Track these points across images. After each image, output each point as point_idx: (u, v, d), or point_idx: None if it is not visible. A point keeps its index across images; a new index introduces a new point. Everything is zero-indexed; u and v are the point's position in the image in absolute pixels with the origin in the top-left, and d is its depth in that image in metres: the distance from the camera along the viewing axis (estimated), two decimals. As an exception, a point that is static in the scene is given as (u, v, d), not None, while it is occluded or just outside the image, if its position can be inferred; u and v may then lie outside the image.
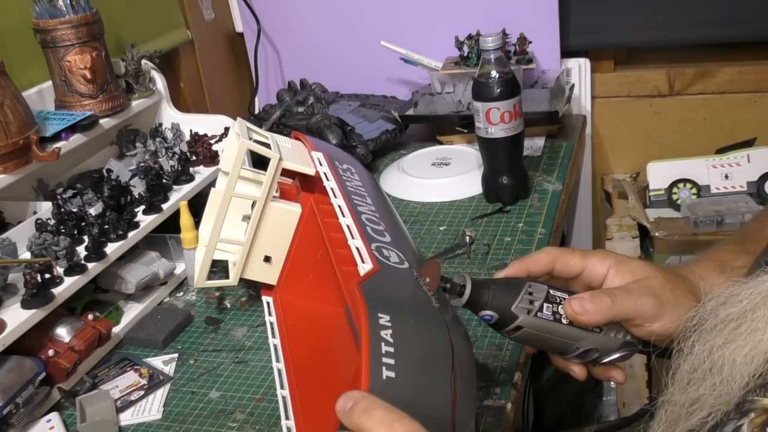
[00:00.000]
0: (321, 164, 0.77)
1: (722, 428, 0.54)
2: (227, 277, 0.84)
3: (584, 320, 0.65)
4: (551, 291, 0.66)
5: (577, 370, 0.70)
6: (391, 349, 0.51)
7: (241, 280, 0.83)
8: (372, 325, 0.52)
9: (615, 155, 1.67)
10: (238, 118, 0.88)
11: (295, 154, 0.83)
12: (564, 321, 0.66)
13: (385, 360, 0.50)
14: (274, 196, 0.84)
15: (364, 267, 0.60)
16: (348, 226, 0.67)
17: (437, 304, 0.60)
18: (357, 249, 0.63)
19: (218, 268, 1.01)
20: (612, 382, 0.71)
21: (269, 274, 0.81)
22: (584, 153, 1.58)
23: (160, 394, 0.86)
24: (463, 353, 0.58)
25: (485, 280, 0.66)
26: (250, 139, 0.85)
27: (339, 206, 0.71)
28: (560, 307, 0.66)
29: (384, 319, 0.53)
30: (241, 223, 0.88)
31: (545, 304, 0.66)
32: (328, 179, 0.75)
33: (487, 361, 0.83)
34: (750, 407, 0.51)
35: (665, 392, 0.59)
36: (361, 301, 0.54)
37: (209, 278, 0.91)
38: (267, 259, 0.86)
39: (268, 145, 0.83)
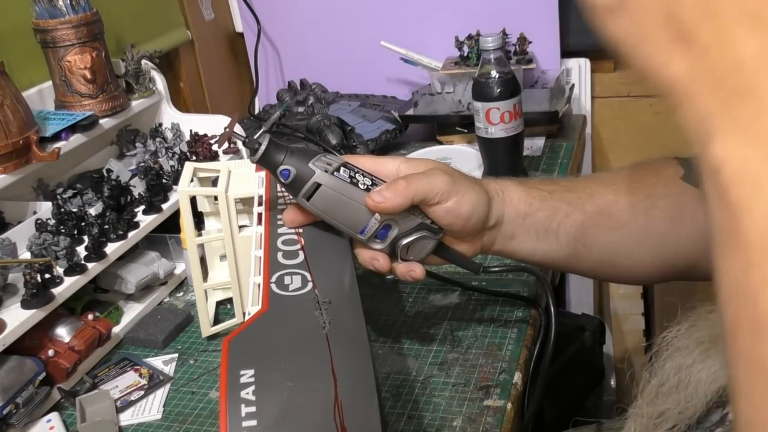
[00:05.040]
0: (261, 185, 0.77)
1: (708, 418, 0.55)
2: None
3: (387, 206, 0.68)
4: (348, 163, 0.70)
5: (381, 260, 0.72)
6: (253, 409, 0.50)
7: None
8: (230, 387, 0.52)
9: (615, 155, 1.67)
10: (186, 163, 0.90)
11: (251, 176, 0.84)
12: (361, 186, 0.68)
13: (245, 424, 0.49)
14: (242, 226, 0.86)
15: (253, 310, 0.61)
16: (258, 258, 0.68)
17: (327, 326, 0.59)
18: (258, 286, 0.64)
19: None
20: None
21: None
22: (584, 153, 1.58)
23: (160, 394, 0.86)
24: (353, 376, 0.56)
25: (284, 144, 0.68)
26: (193, 180, 0.88)
27: (259, 234, 0.71)
28: (357, 173, 0.69)
29: (246, 376, 0.53)
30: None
31: (342, 168, 0.68)
32: (260, 204, 0.75)
33: (487, 361, 0.83)
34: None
35: (634, 404, 0.60)
36: (224, 361, 0.54)
37: (218, 316, 0.95)
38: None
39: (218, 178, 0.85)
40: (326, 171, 0.67)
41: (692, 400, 0.55)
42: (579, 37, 1.54)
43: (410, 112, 1.42)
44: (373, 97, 1.54)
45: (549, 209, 0.77)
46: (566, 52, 1.52)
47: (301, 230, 0.72)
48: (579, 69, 1.56)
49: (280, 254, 0.68)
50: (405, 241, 0.71)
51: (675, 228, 0.76)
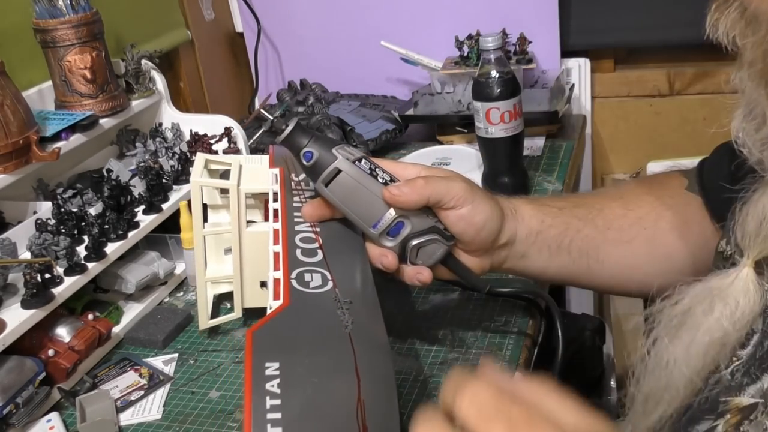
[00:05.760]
0: (275, 182, 0.77)
1: (694, 426, 0.54)
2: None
3: (403, 201, 0.69)
4: (370, 158, 0.71)
5: (390, 258, 0.71)
6: (278, 402, 0.50)
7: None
8: (256, 378, 0.52)
9: (615, 155, 1.67)
10: (198, 153, 0.91)
11: (263, 172, 0.84)
12: (380, 179, 0.69)
13: (270, 416, 0.49)
14: (249, 221, 0.86)
15: (275, 304, 0.61)
16: (276, 253, 0.68)
17: (350, 326, 0.59)
18: (275, 282, 0.64)
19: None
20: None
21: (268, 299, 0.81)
22: (584, 153, 1.58)
23: (160, 394, 0.86)
24: (375, 378, 0.56)
25: (310, 130, 0.70)
26: (206, 168, 0.88)
27: (275, 230, 0.71)
28: (378, 168, 0.70)
29: (271, 368, 0.53)
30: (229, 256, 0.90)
31: (363, 159, 0.70)
32: (275, 200, 0.75)
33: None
34: (725, 408, 0.53)
35: (628, 393, 0.61)
36: (248, 352, 0.54)
37: (215, 314, 0.93)
38: (263, 284, 0.87)
39: (229, 172, 0.85)
40: (348, 159, 0.69)
41: (673, 378, 0.55)
42: (579, 37, 1.54)
43: (410, 112, 1.42)
44: (373, 97, 1.54)
45: (561, 225, 0.77)
46: (566, 52, 1.52)
47: (318, 229, 0.72)
48: (579, 69, 1.56)
49: (298, 251, 0.68)
50: (416, 242, 0.71)
51: (682, 239, 0.77)
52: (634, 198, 0.80)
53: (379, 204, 0.69)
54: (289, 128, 0.69)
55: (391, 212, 0.70)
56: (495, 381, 0.41)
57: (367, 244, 0.73)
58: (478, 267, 0.76)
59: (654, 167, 1.52)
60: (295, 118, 0.69)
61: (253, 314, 0.94)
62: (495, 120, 1.12)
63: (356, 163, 0.69)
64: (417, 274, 0.72)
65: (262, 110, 0.73)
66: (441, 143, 1.43)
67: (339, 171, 0.68)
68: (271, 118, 0.69)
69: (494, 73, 1.11)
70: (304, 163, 0.69)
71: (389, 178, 0.71)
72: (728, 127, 0.75)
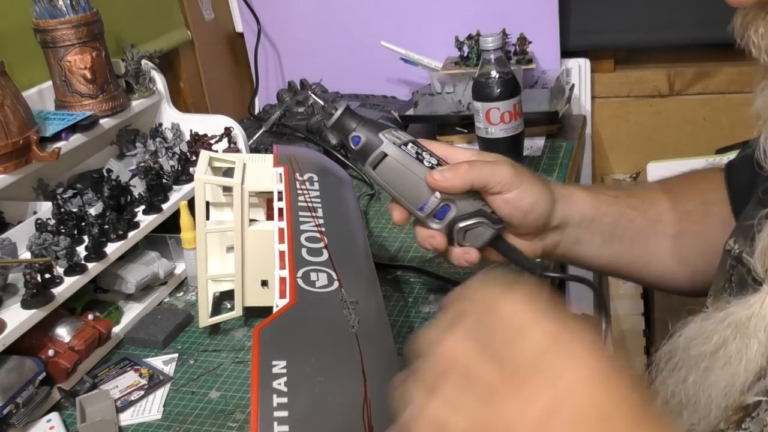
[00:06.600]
0: (280, 181, 0.77)
1: None
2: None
3: (446, 186, 0.70)
4: (418, 141, 0.73)
5: (438, 239, 0.72)
6: (284, 400, 0.51)
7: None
8: (263, 376, 0.52)
9: (615, 155, 1.67)
10: (202, 151, 0.91)
11: (266, 171, 0.84)
12: (426, 163, 0.71)
13: (276, 414, 0.50)
14: (252, 220, 0.86)
15: (281, 302, 0.61)
16: (282, 252, 0.68)
17: (356, 326, 0.59)
18: (281, 280, 0.64)
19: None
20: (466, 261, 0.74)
21: (269, 298, 0.81)
22: (584, 153, 1.58)
23: (160, 394, 0.86)
24: (381, 378, 0.56)
25: (359, 115, 0.72)
26: (210, 166, 0.87)
27: (281, 229, 0.71)
28: (425, 152, 0.71)
29: (278, 367, 0.53)
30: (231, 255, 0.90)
31: (410, 144, 0.72)
32: (280, 199, 0.75)
33: (487, 361, 0.83)
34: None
35: None
36: (255, 350, 0.54)
37: (215, 313, 0.93)
38: (264, 283, 0.87)
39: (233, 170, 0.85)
40: (395, 143, 0.70)
41: (709, 415, 0.54)
42: (579, 37, 1.54)
43: (410, 112, 1.42)
44: (373, 97, 1.54)
45: (615, 213, 0.77)
46: (566, 52, 1.52)
47: (323, 229, 0.72)
48: (579, 69, 1.56)
49: (304, 250, 0.68)
50: (462, 225, 0.72)
51: (726, 234, 0.76)
52: (681, 192, 0.79)
53: (425, 187, 0.71)
54: (339, 112, 0.71)
55: (437, 195, 0.71)
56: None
57: (416, 226, 0.74)
58: (530, 250, 0.76)
59: (654, 167, 1.52)
60: (345, 103, 0.71)
61: (253, 313, 0.94)
62: (495, 120, 1.12)
63: (402, 147, 0.71)
64: (465, 254, 0.73)
65: (312, 95, 0.76)
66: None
67: (385, 155, 0.70)
68: (322, 103, 0.72)
69: (494, 73, 1.11)
70: (353, 146, 0.71)
71: (436, 162, 0.72)
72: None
